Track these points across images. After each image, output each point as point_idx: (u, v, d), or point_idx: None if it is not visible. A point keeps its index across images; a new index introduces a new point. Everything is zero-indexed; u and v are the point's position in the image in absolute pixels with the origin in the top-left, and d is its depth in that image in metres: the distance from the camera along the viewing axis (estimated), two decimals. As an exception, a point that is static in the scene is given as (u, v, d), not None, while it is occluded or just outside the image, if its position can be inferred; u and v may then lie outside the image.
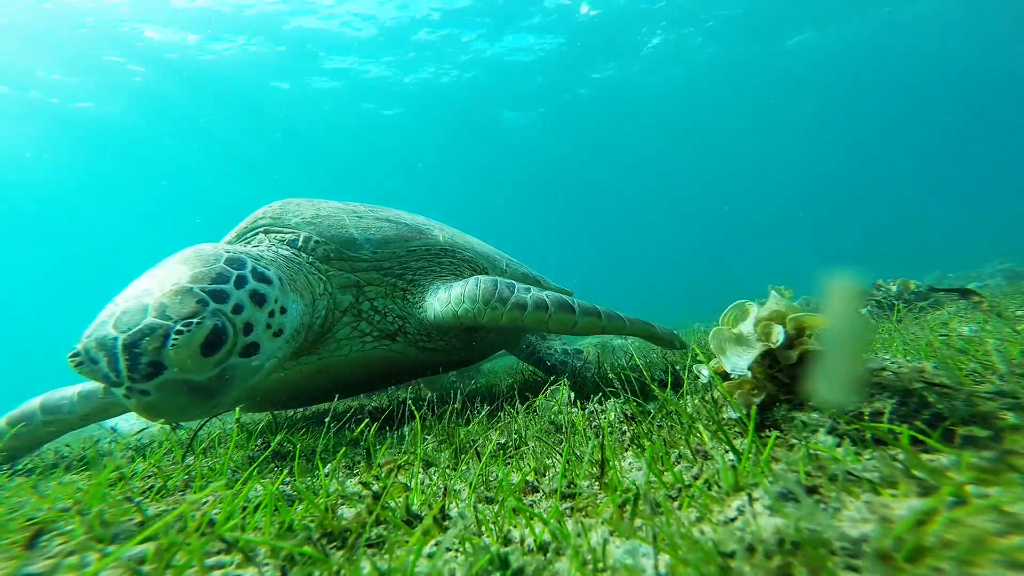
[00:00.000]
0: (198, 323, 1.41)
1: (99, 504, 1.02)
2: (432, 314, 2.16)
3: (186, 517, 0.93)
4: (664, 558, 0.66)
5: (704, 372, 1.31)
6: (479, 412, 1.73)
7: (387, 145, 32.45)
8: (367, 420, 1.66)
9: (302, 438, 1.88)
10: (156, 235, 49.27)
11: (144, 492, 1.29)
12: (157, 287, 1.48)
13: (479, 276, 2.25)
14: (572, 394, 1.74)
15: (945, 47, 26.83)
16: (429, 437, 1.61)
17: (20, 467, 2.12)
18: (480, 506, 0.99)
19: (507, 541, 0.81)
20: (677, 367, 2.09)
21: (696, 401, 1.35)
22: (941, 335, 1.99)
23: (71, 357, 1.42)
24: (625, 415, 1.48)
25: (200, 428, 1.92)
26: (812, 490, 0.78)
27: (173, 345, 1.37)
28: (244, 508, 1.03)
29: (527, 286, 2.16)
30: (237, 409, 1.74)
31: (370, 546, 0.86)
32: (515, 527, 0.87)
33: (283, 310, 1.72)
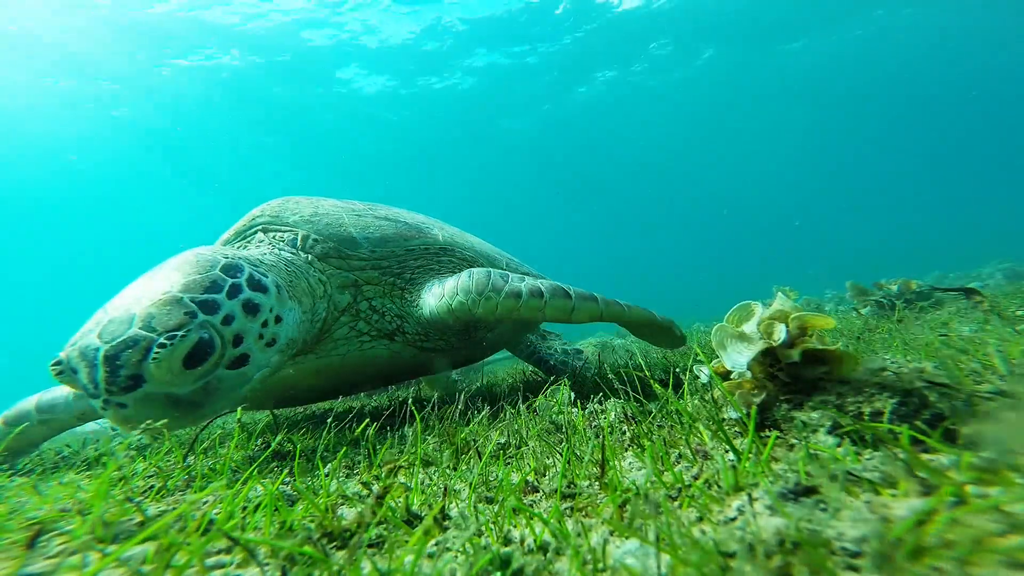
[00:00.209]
0: (182, 336, 1.38)
1: (101, 504, 1.02)
2: (428, 310, 2.13)
3: (186, 517, 0.93)
4: (665, 558, 0.66)
5: (704, 372, 1.32)
6: (480, 412, 1.73)
7: (388, 146, 32.56)
8: (368, 420, 1.66)
9: (302, 438, 1.87)
10: (179, 229, 49.69)
11: (144, 492, 1.29)
12: (147, 295, 1.46)
13: (473, 268, 2.19)
14: (572, 394, 1.74)
15: (944, 48, 26.93)
16: (430, 437, 1.61)
17: (20, 467, 2.12)
18: (480, 506, 0.99)
19: (507, 541, 0.81)
20: (677, 368, 2.09)
21: (696, 401, 1.35)
22: (941, 335, 1.99)
23: (53, 365, 1.40)
24: (625, 415, 1.48)
25: (202, 430, 1.92)
26: (812, 490, 0.78)
27: (154, 359, 1.34)
28: (244, 508, 1.04)
29: (521, 275, 2.12)
30: (239, 409, 1.74)
31: (370, 546, 0.86)
32: (515, 527, 0.87)
33: (278, 319, 1.69)
